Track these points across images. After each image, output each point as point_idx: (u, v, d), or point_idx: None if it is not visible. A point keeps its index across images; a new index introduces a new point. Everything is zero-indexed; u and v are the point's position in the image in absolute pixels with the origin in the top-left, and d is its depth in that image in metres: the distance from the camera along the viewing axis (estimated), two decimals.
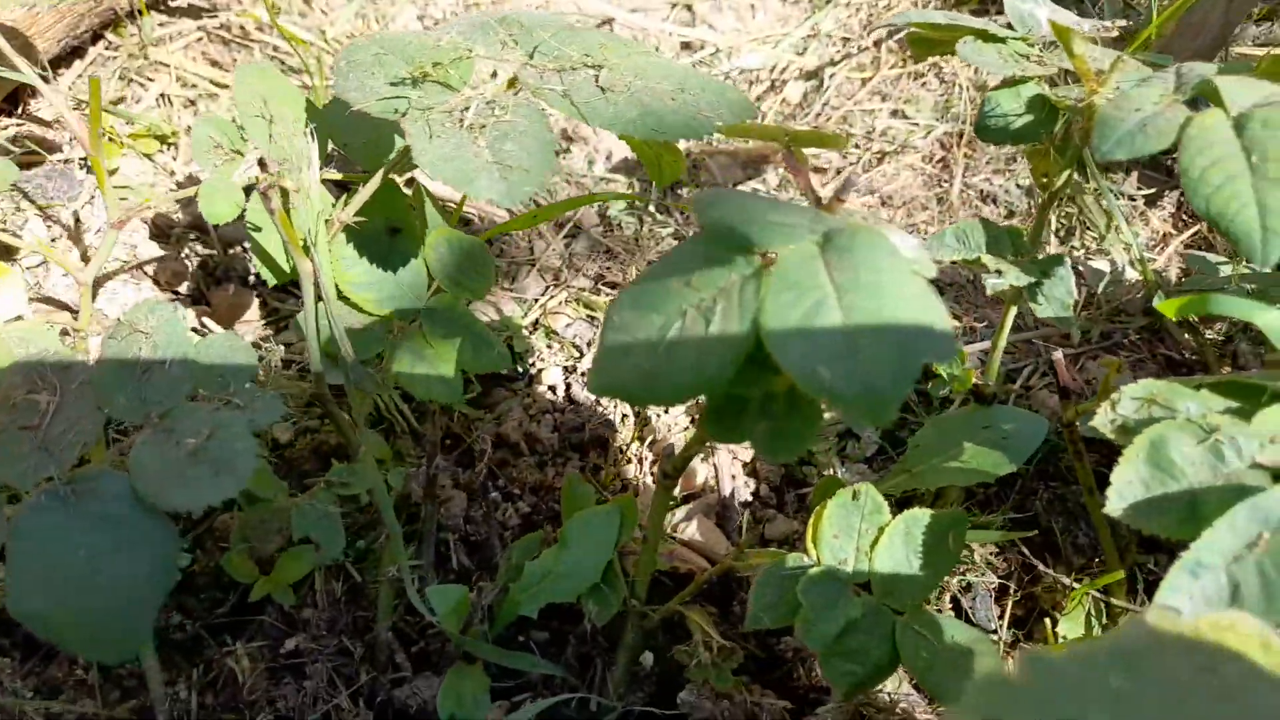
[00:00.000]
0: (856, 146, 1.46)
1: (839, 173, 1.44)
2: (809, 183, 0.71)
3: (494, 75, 0.75)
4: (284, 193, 0.74)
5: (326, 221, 0.72)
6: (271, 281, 0.83)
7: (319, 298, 0.75)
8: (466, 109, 0.70)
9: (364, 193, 0.74)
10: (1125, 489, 0.71)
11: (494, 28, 0.81)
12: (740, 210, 0.61)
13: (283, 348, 1.04)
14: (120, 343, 0.69)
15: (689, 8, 1.60)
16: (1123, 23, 0.91)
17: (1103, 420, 0.76)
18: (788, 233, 0.59)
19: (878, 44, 1.59)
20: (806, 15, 1.62)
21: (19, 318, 0.83)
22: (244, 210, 0.80)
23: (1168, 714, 0.33)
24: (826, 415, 1.16)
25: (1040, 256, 0.86)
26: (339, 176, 0.84)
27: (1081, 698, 0.33)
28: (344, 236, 0.84)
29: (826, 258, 0.58)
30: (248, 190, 0.81)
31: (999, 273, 0.80)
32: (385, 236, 0.86)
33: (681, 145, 1.47)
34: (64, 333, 0.86)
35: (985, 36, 0.89)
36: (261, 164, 0.86)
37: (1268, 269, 0.67)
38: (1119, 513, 0.71)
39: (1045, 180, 0.88)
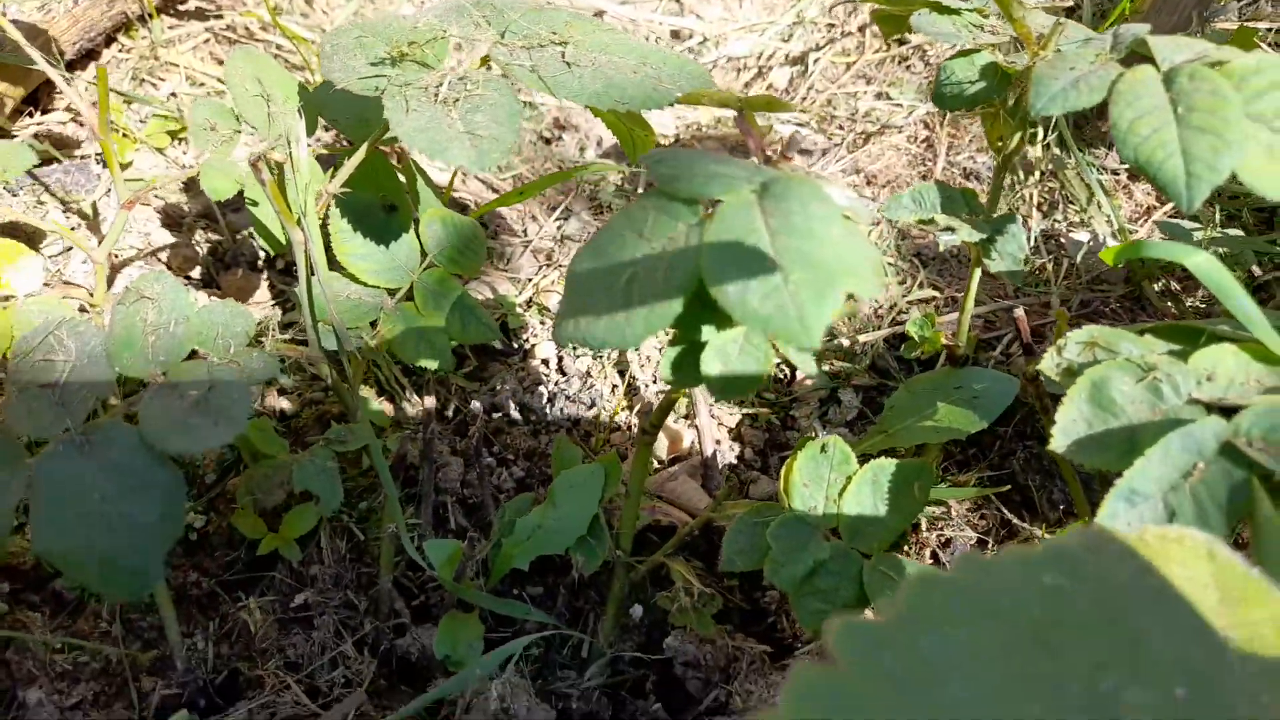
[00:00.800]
0: (841, 128, 1.50)
1: (824, 153, 1.48)
2: (760, 144, 0.76)
3: (460, 48, 0.81)
4: (277, 166, 0.80)
5: (317, 194, 0.78)
6: (271, 251, 0.88)
7: (311, 267, 0.81)
8: (440, 85, 0.76)
9: (349, 165, 0.80)
10: (1069, 427, 0.75)
11: (468, 10, 0.87)
12: (686, 165, 0.67)
13: (280, 311, 1.10)
14: (129, 308, 0.75)
15: None
16: None
17: (1049, 364, 0.80)
18: (727, 183, 0.65)
19: (862, 29, 1.63)
20: (792, 3, 1.66)
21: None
22: (243, 187, 0.86)
23: (1101, 610, 0.33)
24: (808, 381, 1.21)
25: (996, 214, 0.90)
26: (325, 151, 0.89)
27: (1015, 593, 0.33)
28: (342, 210, 0.90)
29: (763, 205, 0.63)
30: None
31: (951, 230, 0.85)
32: (382, 212, 0.92)
33: (671, 130, 1.53)
34: (81, 308, 0.93)
35: (939, 9, 0.93)
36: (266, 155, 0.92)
37: (1194, 210, 0.71)
38: (1063, 449, 0.74)
39: (1000, 144, 0.92)
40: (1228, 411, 0.71)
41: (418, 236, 0.94)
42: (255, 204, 0.86)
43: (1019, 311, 0.96)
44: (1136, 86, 0.75)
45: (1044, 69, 0.78)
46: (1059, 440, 0.75)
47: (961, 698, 0.30)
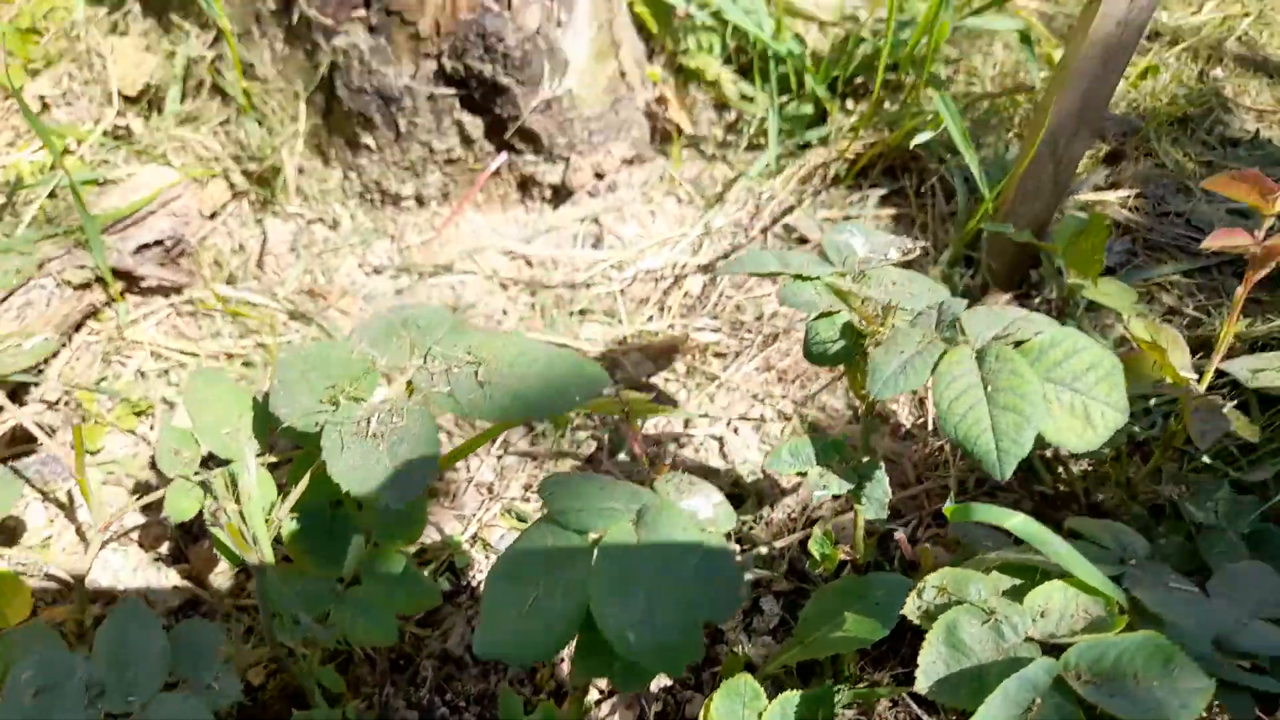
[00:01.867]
0: (750, 331, 1.66)
1: (736, 355, 1.63)
2: (642, 448, 0.90)
3: (390, 380, 0.95)
4: (233, 482, 0.92)
5: (267, 521, 0.90)
6: (233, 564, 0.99)
7: (264, 582, 0.92)
8: (369, 419, 0.89)
9: (296, 493, 0.92)
10: (930, 668, 0.87)
11: (397, 329, 1.01)
12: (575, 498, 0.79)
13: (245, 577, 1.20)
14: (110, 644, 0.85)
15: (596, 221, 1.83)
16: (899, 240, 1.11)
17: (911, 608, 0.92)
18: (609, 515, 0.77)
19: (764, 232, 1.82)
20: (700, 215, 1.85)
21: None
22: (203, 506, 0.98)
23: None
24: None
25: (864, 461, 1.04)
26: (276, 459, 1.02)
27: None
28: (291, 515, 1.02)
29: (639, 533, 0.76)
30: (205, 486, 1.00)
31: (824, 486, 0.98)
32: (327, 509, 1.04)
33: (601, 345, 1.67)
34: (63, 635, 1.03)
35: (801, 277, 1.08)
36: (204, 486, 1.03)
37: (1004, 482, 0.84)
38: (926, 690, 0.86)
39: (864, 394, 1.06)
40: (1059, 648, 0.83)
41: (359, 524, 1.06)
42: (215, 524, 0.98)
43: (899, 534, 1.09)
44: (953, 367, 0.89)
45: (879, 355, 0.93)
46: (922, 682, 0.86)
47: None
